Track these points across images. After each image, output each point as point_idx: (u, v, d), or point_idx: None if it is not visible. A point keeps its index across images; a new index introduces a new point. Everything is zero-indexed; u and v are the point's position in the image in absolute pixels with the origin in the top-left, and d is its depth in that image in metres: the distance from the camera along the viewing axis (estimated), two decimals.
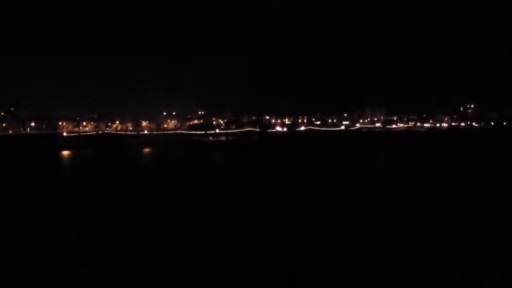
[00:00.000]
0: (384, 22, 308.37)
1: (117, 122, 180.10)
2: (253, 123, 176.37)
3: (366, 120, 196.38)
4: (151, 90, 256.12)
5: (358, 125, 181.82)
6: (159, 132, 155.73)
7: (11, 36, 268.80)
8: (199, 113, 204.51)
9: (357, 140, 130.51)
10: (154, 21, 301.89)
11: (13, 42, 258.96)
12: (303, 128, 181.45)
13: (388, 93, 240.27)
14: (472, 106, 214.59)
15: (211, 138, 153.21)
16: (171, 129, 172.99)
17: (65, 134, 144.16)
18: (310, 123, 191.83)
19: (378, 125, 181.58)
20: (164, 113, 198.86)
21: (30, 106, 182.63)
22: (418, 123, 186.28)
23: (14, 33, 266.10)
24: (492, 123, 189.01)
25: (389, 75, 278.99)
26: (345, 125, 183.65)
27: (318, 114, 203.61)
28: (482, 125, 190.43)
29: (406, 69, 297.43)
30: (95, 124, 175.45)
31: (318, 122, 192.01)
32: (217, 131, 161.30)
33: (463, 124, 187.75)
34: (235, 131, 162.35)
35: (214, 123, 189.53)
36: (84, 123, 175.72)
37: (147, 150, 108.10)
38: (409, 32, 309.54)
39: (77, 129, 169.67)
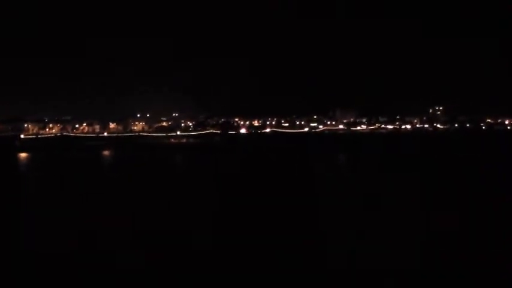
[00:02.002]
0: (366, 26, 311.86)
1: (84, 124, 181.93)
2: (220, 126, 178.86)
3: (333, 122, 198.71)
4: (151, 90, 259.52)
5: (321, 126, 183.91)
6: (120, 135, 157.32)
7: None
8: (173, 115, 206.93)
9: (310, 141, 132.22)
10: (153, 20, 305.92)
11: None
12: (268, 129, 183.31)
13: (360, 95, 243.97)
14: (441, 108, 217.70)
15: (172, 140, 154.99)
16: (138, 131, 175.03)
17: (22, 136, 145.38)
18: (278, 124, 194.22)
19: (341, 126, 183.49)
20: (138, 115, 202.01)
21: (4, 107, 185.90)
22: (383, 125, 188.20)
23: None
24: (456, 125, 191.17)
25: (362, 77, 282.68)
26: (310, 126, 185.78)
27: (293, 116, 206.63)
28: (448, 126, 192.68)
29: (378, 72, 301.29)
30: (61, 126, 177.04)
31: (286, 124, 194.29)
32: (178, 133, 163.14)
33: (427, 126, 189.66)
34: (197, 133, 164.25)
35: (182, 125, 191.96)
36: (51, 125, 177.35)
37: (101, 152, 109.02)
38: (390, 36, 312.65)
39: (42, 131, 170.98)
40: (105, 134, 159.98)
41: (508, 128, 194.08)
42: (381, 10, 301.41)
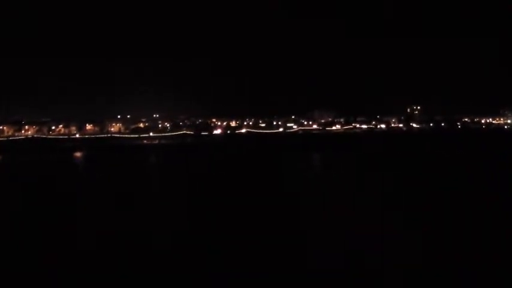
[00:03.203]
0: (346, 27, 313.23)
1: (61, 126, 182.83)
2: (194, 127, 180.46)
3: (310, 122, 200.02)
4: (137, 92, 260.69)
5: (295, 127, 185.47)
6: (92, 136, 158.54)
7: None
8: (154, 115, 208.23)
9: (276, 140, 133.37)
10: (151, 20, 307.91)
11: None
12: (244, 130, 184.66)
13: (339, 96, 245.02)
14: (419, 108, 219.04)
15: (145, 141, 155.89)
16: (114, 133, 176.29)
17: None
18: (256, 125, 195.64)
19: (315, 126, 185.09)
20: (119, 116, 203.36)
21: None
22: (357, 125, 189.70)
23: None
24: (431, 125, 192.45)
25: (340, 78, 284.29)
26: (286, 127, 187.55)
27: (274, 116, 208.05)
28: (422, 126, 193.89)
29: (357, 72, 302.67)
30: (37, 128, 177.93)
31: (263, 125, 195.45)
32: (151, 134, 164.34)
33: (401, 125, 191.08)
34: (170, 134, 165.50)
35: (160, 126, 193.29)
36: (27, 126, 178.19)
37: (64, 154, 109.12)
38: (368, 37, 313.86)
39: (18, 133, 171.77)
40: (77, 135, 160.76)
41: (484, 127, 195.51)
42: (360, 12, 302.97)
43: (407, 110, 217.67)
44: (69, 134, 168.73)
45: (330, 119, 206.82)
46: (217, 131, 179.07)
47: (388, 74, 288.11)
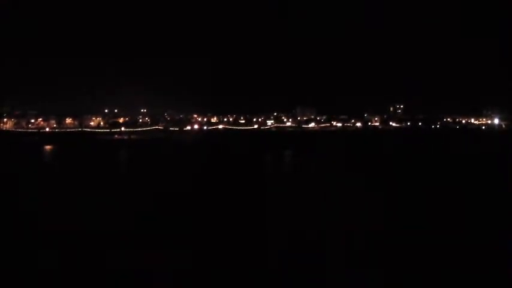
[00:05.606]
0: (334, 26, 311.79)
1: (40, 119, 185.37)
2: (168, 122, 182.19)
3: (290, 119, 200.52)
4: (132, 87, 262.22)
5: (269, 124, 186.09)
6: (62, 130, 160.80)
7: None
8: (141, 110, 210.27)
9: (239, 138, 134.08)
10: (150, 20, 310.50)
11: None
12: (220, 126, 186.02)
13: (323, 94, 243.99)
14: (401, 107, 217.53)
15: (116, 136, 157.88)
16: (89, 127, 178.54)
17: None
18: (236, 122, 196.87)
19: (288, 124, 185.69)
20: (106, 110, 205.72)
21: None
22: (334, 123, 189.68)
23: None
24: (409, 124, 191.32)
25: (322, 75, 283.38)
26: (263, 123, 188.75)
27: (259, 113, 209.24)
28: (401, 125, 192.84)
29: (340, 70, 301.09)
30: (15, 121, 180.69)
31: (243, 121, 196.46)
32: (122, 129, 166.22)
33: (377, 124, 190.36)
34: (141, 129, 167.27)
35: (140, 121, 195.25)
36: (5, 119, 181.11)
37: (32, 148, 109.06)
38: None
39: None
40: (47, 129, 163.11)
41: (457, 127, 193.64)
42: (348, 10, 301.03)
43: (390, 108, 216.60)
44: (41, 127, 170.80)
45: (312, 117, 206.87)
46: (189, 127, 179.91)
47: (373, 72, 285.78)
